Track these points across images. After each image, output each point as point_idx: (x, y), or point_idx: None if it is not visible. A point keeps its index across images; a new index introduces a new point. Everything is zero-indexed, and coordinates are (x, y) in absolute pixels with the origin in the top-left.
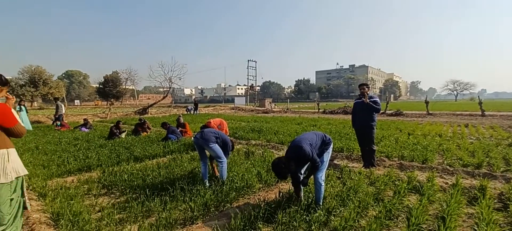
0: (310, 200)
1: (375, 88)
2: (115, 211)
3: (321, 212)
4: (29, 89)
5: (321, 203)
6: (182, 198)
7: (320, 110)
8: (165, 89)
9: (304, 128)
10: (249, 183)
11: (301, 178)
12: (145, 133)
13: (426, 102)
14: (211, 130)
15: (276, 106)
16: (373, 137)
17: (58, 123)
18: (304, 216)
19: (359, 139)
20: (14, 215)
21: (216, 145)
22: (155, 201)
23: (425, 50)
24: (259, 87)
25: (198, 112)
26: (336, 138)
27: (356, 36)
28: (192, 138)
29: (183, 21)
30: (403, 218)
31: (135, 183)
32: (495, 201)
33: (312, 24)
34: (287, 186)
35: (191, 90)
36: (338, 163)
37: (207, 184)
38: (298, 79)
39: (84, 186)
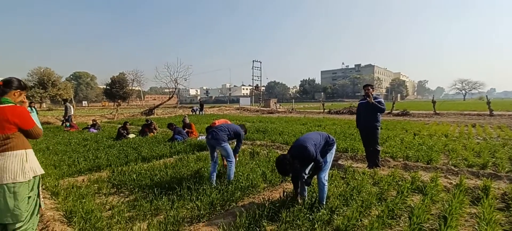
0: (313, 199)
1: (382, 88)
2: (125, 209)
3: (324, 211)
4: (38, 91)
5: (324, 203)
6: (189, 197)
7: (325, 110)
8: (171, 90)
9: (309, 128)
10: (254, 182)
11: (305, 178)
12: (152, 134)
13: (433, 102)
14: (222, 127)
15: (281, 107)
16: (378, 137)
17: (67, 124)
18: (308, 215)
19: (364, 139)
20: (31, 212)
21: (227, 144)
22: (163, 199)
23: (433, 49)
24: (264, 88)
25: (203, 112)
26: (341, 138)
27: (361, 35)
28: (199, 138)
29: (187, 22)
30: (405, 218)
31: (144, 182)
32: (499, 201)
33: (317, 23)
34: (291, 185)
35: (197, 90)
36: (342, 163)
37: (214, 183)
38: (303, 79)
39: (95, 185)
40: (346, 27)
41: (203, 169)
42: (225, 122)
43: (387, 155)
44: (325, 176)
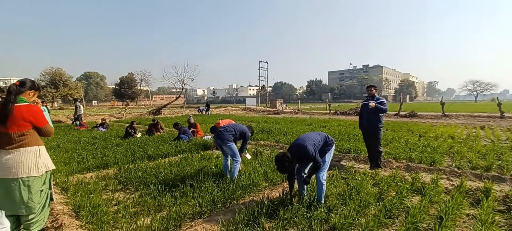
0: (312, 198)
1: (390, 89)
2: (130, 205)
3: (322, 210)
4: (50, 90)
5: (322, 201)
6: (191, 194)
7: (332, 111)
8: (178, 90)
9: (314, 129)
10: (255, 181)
11: (304, 177)
12: (158, 133)
13: (442, 103)
14: (227, 128)
15: (287, 107)
16: (380, 138)
17: (78, 122)
18: (305, 213)
19: (366, 140)
20: (42, 204)
21: (233, 144)
22: (167, 196)
23: (444, 49)
24: (270, 88)
25: (209, 113)
26: (344, 139)
27: (370, 35)
28: (204, 138)
29: (194, 21)
30: (402, 218)
31: (149, 179)
32: (500, 203)
33: (325, 23)
34: None
35: (204, 91)
36: (344, 164)
37: (228, 175)
38: (310, 80)
39: (102, 182)
40: (354, 27)
41: (206, 168)
42: (229, 122)
43: (390, 156)
44: (323, 175)
